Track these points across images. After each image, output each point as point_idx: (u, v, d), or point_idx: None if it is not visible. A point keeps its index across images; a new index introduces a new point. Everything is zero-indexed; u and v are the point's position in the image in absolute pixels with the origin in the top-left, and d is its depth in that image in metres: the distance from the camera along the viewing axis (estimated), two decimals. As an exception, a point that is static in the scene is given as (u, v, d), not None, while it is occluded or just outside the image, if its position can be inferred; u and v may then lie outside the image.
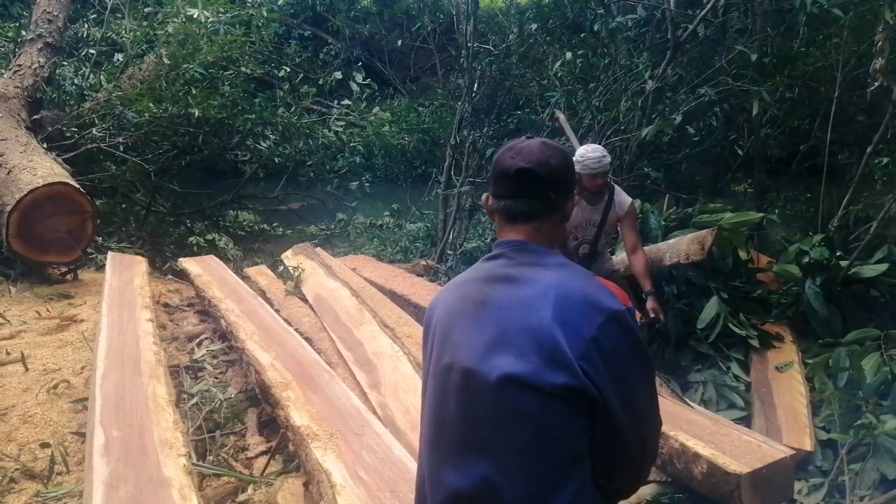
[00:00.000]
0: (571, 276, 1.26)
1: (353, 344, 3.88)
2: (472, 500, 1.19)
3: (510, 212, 1.33)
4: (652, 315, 3.58)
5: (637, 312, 3.43)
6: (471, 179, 7.45)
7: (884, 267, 4.09)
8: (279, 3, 11.23)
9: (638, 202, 5.07)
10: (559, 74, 6.56)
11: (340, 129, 10.76)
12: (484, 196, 1.43)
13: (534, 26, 7.14)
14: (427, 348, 1.37)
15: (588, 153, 3.51)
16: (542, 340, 1.16)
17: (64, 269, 5.69)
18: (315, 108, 11.04)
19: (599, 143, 6.14)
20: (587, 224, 3.76)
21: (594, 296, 1.22)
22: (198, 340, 4.39)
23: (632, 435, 1.21)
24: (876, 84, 4.65)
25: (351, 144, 10.54)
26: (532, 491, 1.15)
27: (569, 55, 6.27)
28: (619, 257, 4.35)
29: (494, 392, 1.16)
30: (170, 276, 6.20)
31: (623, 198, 3.76)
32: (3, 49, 8.15)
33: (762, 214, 4.81)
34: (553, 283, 1.22)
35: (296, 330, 4.16)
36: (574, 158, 3.55)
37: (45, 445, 3.04)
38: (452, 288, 1.38)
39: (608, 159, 3.55)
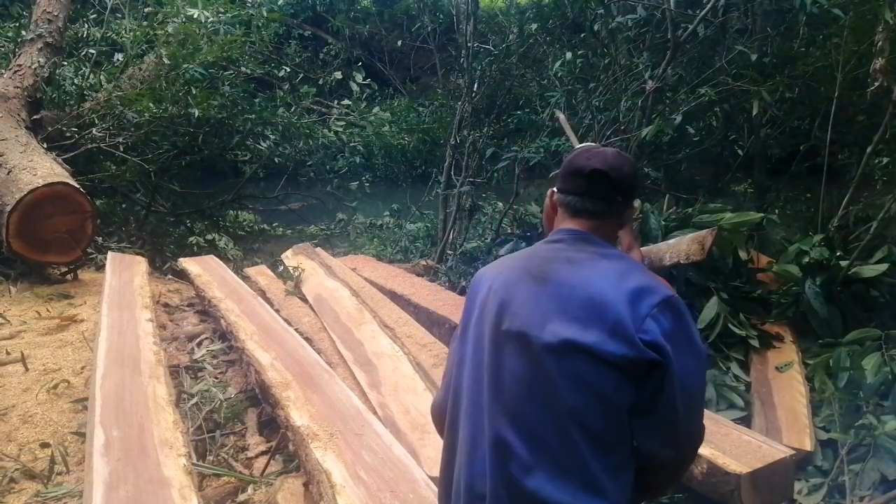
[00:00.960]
0: (630, 265, 1.35)
1: (353, 344, 3.88)
2: (522, 456, 1.24)
3: (576, 207, 1.42)
4: None
5: None
6: (471, 179, 7.44)
7: (884, 267, 4.09)
8: (279, 3, 11.23)
9: (637, 202, 5.07)
10: (559, 74, 6.55)
11: (340, 129, 10.76)
12: (549, 191, 1.52)
13: (534, 26, 7.13)
14: (475, 314, 1.40)
15: None
16: (603, 315, 1.23)
17: (64, 269, 5.69)
18: (315, 108, 11.05)
19: (599, 143, 6.14)
20: None
21: (651, 283, 1.29)
22: (198, 340, 4.39)
23: (682, 416, 1.25)
24: (876, 84, 4.65)
25: (351, 144, 10.55)
26: (579, 454, 1.21)
27: (569, 55, 6.27)
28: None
29: (556, 358, 1.23)
30: (170, 276, 6.20)
31: None
32: (3, 49, 8.15)
33: (762, 214, 4.81)
34: (612, 268, 1.31)
35: (296, 330, 4.16)
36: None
37: (45, 445, 3.04)
38: (510, 262, 1.43)
39: None
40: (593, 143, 1.49)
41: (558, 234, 1.43)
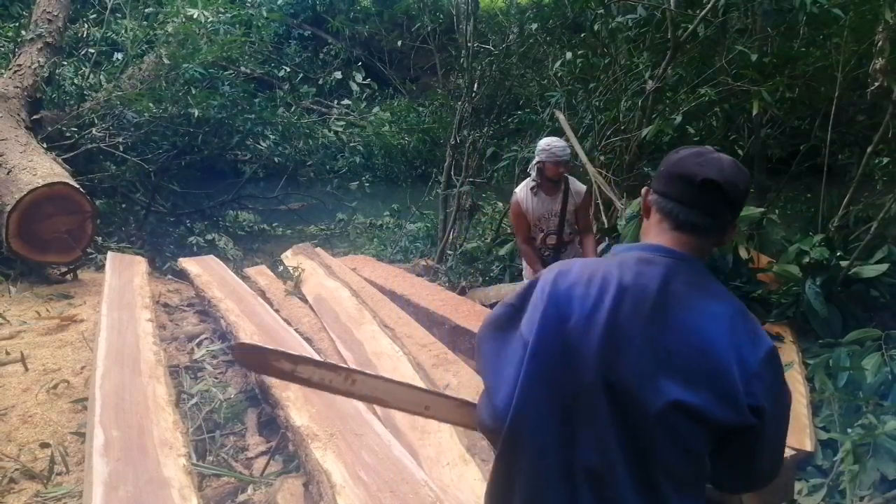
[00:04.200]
0: (736, 307, 1.24)
1: (353, 344, 3.88)
2: (599, 476, 1.18)
3: (678, 219, 1.26)
4: None
5: None
6: (471, 179, 7.45)
7: (884, 267, 4.09)
8: (279, 3, 11.23)
9: (638, 200, 5.08)
10: (559, 74, 6.56)
11: (340, 129, 10.77)
12: (644, 189, 1.35)
13: (534, 26, 7.14)
14: (560, 339, 1.20)
15: (553, 143, 3.79)
16: (714, 374, 1.14)
17: (64, 269, 5.69)
18: (315, 108, 11.06)
19: (599, 143, 6.16)
20: (549, 215, 3.93)
21: (755, 330, 1.21)
22: (198, 340, 4.39)
23: (765, 464, 1.23)
24: (876, 84, 4.65)
25: (351, 144, 10.55)
26: (661, 495, 1.17)
27: (569, 55, 6.27)
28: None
29: (658, 418, 1.14)
30: (170, 276, 6.20)
31: (578, 186, 3.99)
32: (3, 49, 8.15)
33: (762, 209, 4.81)
34: (724, 313, 1.20)
35: (296, 330, 4.16)
36: (540, 148, 3.82)
37: (45, 445, 3.04)
38: (608, 297, 1.20)
39: (570, 149, 3.87)
40: (707, 147, 1.33)
41: (659, 253, 1.25)
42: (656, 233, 1.29)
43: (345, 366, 1.68)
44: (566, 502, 1.20)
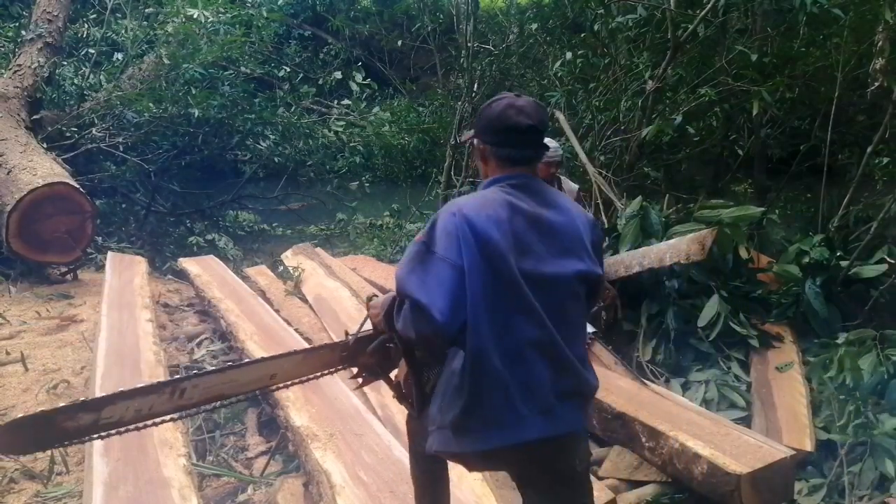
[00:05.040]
0: (565, 198, 1.78)
1: (353, 344, 3.87)
2: (545, 345, 1.60)
3: (513, 158, 1.70)
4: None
5: None
6: (471, 179, 7.45)
7: (884, 267, 4.09)
8: (279, 3, 11.21)
9: (639, 199, 5.09)
10: (559, 74, 6.56)
11: (340, 129, 10.75)
12: (471, 138, 1.80)
13: (534, 26, 7.15)
14: (484, 256, 1.56)
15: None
16: (582, 244, 1.68)
17: (64, 269, 5.69)
18: (315, 108, 11.04)
19: (599, 143, 6.17)
20: None
21: (580, 207, 1.87)
22: (198, 340, 4.39)
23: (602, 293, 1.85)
24: (876, 84, 4.65)
25: (351, 144, 10.52)
26: (574, 336, 1.68)
27: (569, 55, 6.28)
28: (617, 258, 4.35)
29: (569, 284, 1.65)
30: (170, 276, 6.20)
31: (570, 185, 4.08)
32: (3, 49, 8.15)
33: (763, 209, 4.81)
34: (570, 205, 1.74)
35: (296, 330, 4.16)
36: None
37: (45, 445, 3.04)
38: (500, 212, 1.60)
39: (560, 150, 3.97)
40: (509, 94, 1.72)
41: (516, 178, 1.68)
42: (499, 168, 1.72)
43: (165, 380, 1.58)
44: (527, 372, 1.59)
